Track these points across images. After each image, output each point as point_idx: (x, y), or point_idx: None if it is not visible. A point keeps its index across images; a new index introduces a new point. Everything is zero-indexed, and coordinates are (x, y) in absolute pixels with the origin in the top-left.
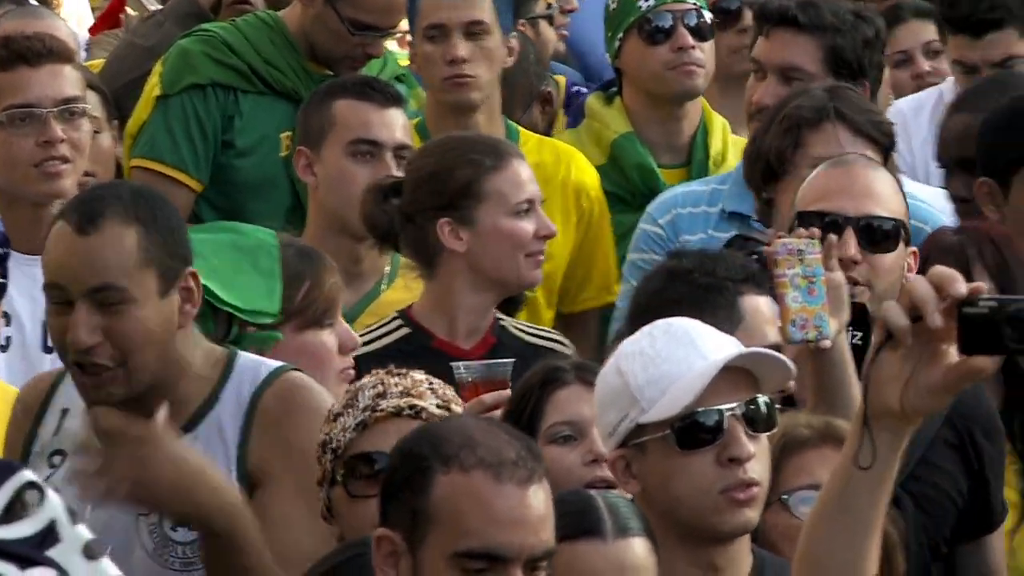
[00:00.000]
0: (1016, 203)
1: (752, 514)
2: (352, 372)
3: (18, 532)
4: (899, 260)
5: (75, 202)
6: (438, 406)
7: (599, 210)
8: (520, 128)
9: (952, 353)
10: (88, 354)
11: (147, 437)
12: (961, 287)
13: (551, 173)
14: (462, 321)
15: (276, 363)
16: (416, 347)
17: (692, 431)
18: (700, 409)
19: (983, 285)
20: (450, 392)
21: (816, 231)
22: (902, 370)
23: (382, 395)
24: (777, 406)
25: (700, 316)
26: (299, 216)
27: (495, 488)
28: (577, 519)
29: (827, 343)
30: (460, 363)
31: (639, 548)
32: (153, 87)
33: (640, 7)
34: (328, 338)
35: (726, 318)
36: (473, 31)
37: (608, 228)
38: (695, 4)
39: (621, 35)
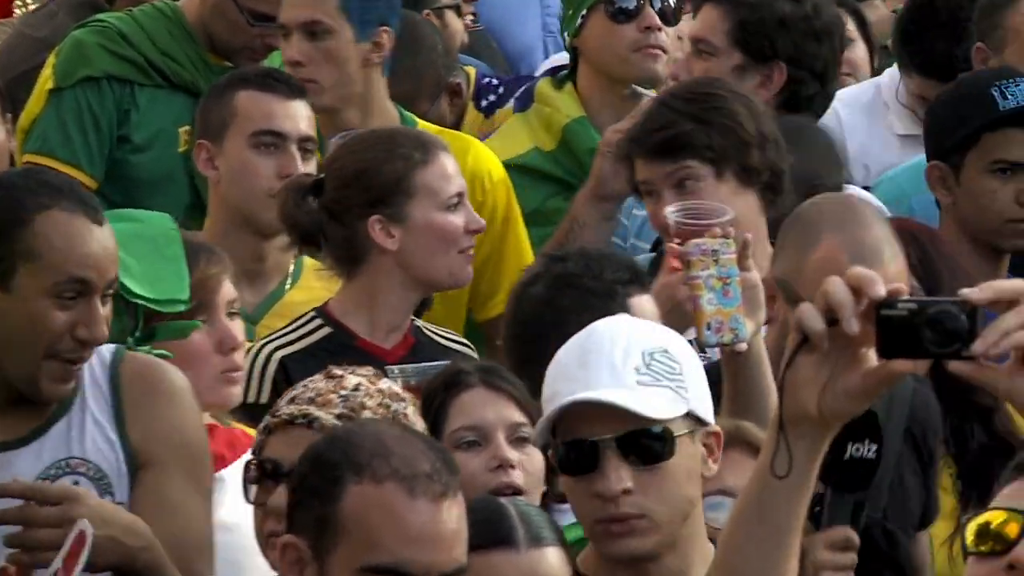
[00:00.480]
0: (968, 185)
1: (636, 543)
2: (236, 374)
3: None
4: None
5: (73, 195)
6: (339, 416)
7: (504, 204)
8: (416, 119)
9: (871, 356)
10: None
11: (71, 496)
12: (879, 289)
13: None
14: (384, 320)
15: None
16: (338, 346)
17: (571, 458)
18: (573, 439)
19: (903, 287)
20: (372, 401)
21: (731, 230)
22: (819, 374)
23: (292, 399)
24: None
25: (591, 322)
26: (199, 213)
27: (408, 502)
28: (489, 528)
29: (743, 346)
30: (395, 367)
31: (552, 558)
32: (46, 80)
33: None
34: (198, 336)
35: None
36: (312, 31)
37: (518, 226)
38: None
39: (584, 13)
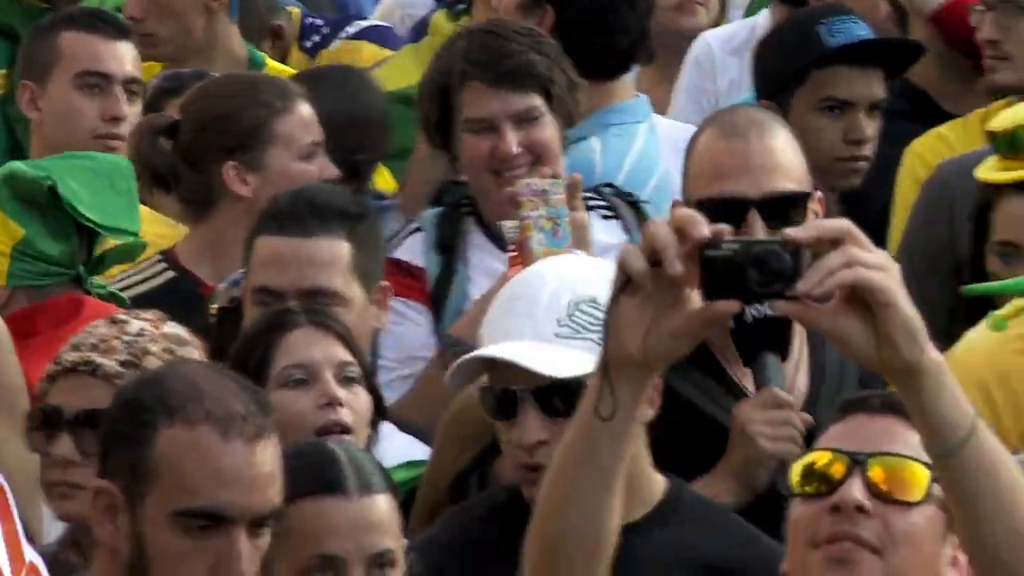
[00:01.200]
0: (796, 125)
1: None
2: None
3: None
4: None
5: None
6: (123, 363)
7: None
8: (267, 58)
9: (695, 297)
10: None
11: None
12: (703, 229)
13: None
14: (231, 267)
15: None
16: (185, 292)
17: (493, 404)
18: (494, 387)
19: (726, 227)
20: (156, 346)
21: (560, 171)
22: (642, 316)
23: (76, 346)
24: None
25: None
26: (16, 156)
27: (221, 445)
28: (320, 474)
29: None
30: None
31: (382, 504)
32: None
33: None
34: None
35: None
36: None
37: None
38: None
39: None
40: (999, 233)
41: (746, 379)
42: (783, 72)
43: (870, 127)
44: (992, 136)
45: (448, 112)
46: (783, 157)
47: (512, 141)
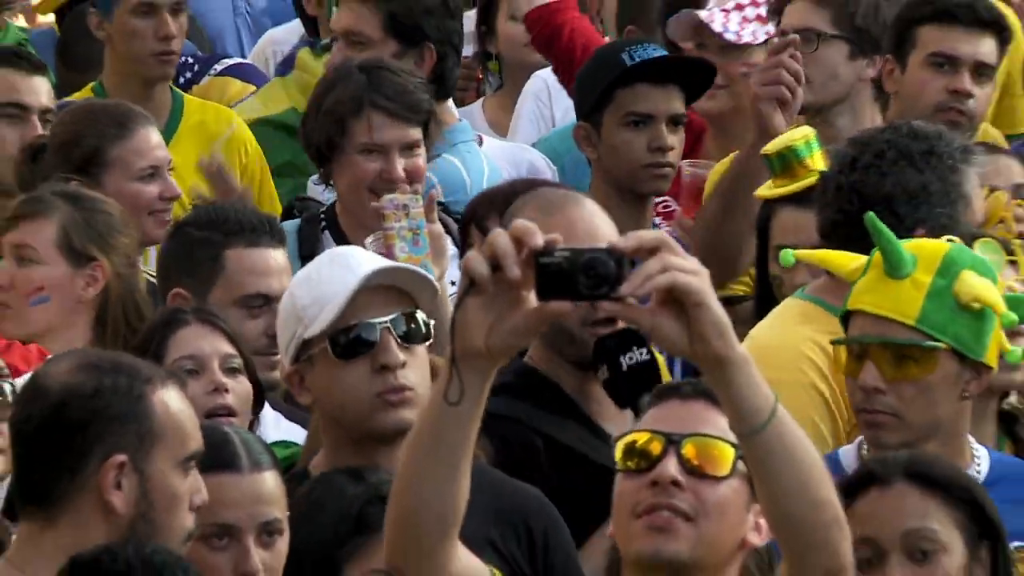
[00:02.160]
0: (608, 141)
1: (407, 414)
2: None
3: None
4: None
5: None
6: None
7: (258, 166)
8: (184, 94)
9: (531, 299)
10: None
11: None
12: (538, 239)
13: (213, 131)
14: None
15: None
16: None
17: (350, 343)
18: (355, 322)
19: (558, 237)
20: None
21: (419, 187)
22: (486, 315)
23: None
24: None
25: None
26: None
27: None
28: (216, 453)
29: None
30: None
31: (271, 480)
32: None
33: None
34: None
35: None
36: (178, 9)
37: (270, 181)
38: None
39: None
40: (776, 239)
41: (609, 425)
42: (593, 95)
43: (671, 138)
44: (766, 158)
45: (338, 136)
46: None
47: (398, 166)
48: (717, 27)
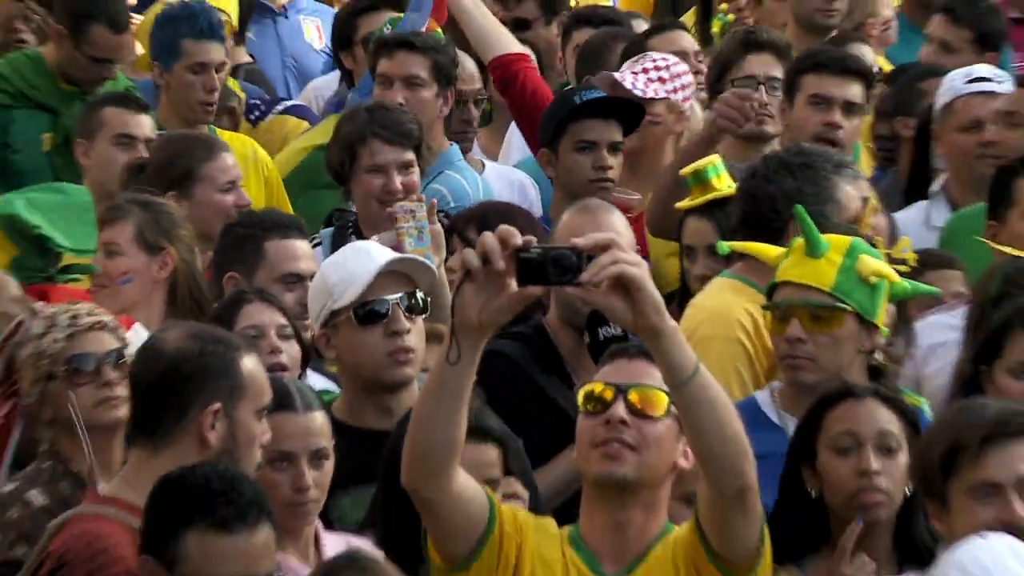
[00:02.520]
0: (563, 163)
1: (409, 371)
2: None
3: None
4: None
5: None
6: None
7: (275, 177)
8: (216, 127)
9: (513, 284)
10: None
11: None
12: (517, 239)
13: (240, 153)
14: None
15: None
16: None
17: (368, 314)
18: (373, 298)
19: (533, 238)
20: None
21: (423, 196)
22: (478, 297)
23: (75, 316)
24: None
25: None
26: None
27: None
28: (277, 398)
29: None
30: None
31: (320, 418)
32: None
33: None
34: None
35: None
36: (219, 69)
37: (283, 193)
38: None
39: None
40: (685, 240)
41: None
42: (551, 128)
43: (611, 160)
44: (683, 178)
45: (349, 160)
46: (618, 226)
47: (396, 181)
48: (627, 85)
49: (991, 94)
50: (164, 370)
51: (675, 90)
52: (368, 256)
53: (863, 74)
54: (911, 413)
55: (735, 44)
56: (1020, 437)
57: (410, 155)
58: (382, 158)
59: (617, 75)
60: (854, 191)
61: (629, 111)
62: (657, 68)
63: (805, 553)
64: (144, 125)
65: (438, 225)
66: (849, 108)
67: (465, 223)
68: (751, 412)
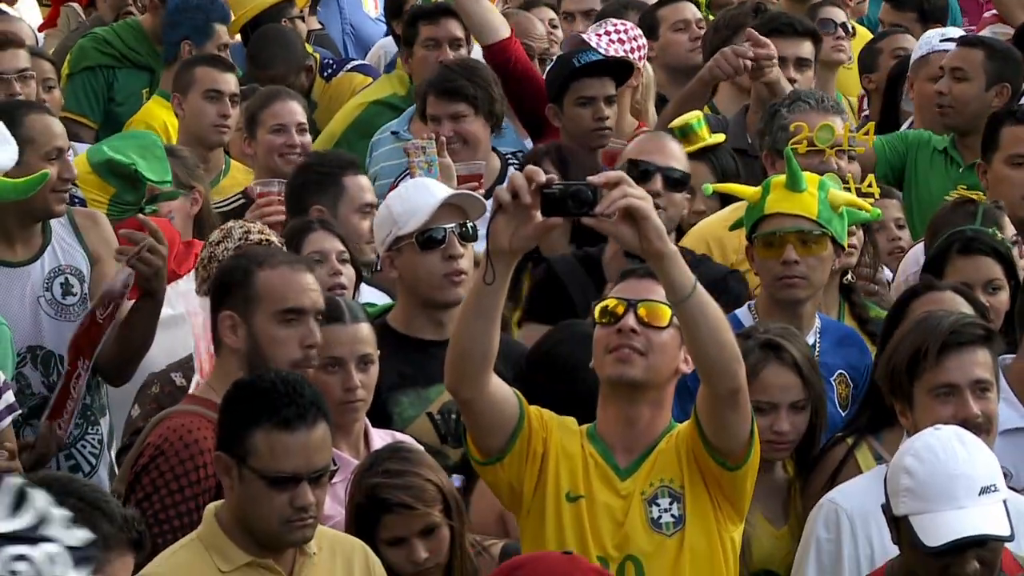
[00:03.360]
0: (568, 114)
1: (461, 291)
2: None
3: (23, 523)
4: (683, 200)
5: None
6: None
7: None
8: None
9: (538, 215)
10: None
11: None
12: (541, 177)
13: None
14: None
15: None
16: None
17: (428, 240)
18: (433, 227)
19: (555, 176)
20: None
21: (432, 134)
22: (509, 226)
23: (248, 231)
24: None
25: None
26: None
27: (292, 274)
28: (330, 312)
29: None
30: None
31: (366, 329)
32: (65, 68)
33: None
34: None
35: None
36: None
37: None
38: None
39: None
40: None
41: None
42: (555, 86)
43: (608, 111)
44: (671, 130)
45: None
46: (679, 152)
47: (447, 129)
48: (593, 43)
49: None
50: (210, 286)
51: (632, 50)
52: (428, 191)
53: (810, 33)
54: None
55: (746, 12)
56: (973, 344)
57: (459, 107)
58: (435, 109)
59: (584, 35)
60: (805, 122)
61: (619, 68)
62: (617, 31)
63: (882, 428)
64: (230, 82)
65: (447, 159)
66: (800, 63)
67: (542, 156)
68: (735, 325)
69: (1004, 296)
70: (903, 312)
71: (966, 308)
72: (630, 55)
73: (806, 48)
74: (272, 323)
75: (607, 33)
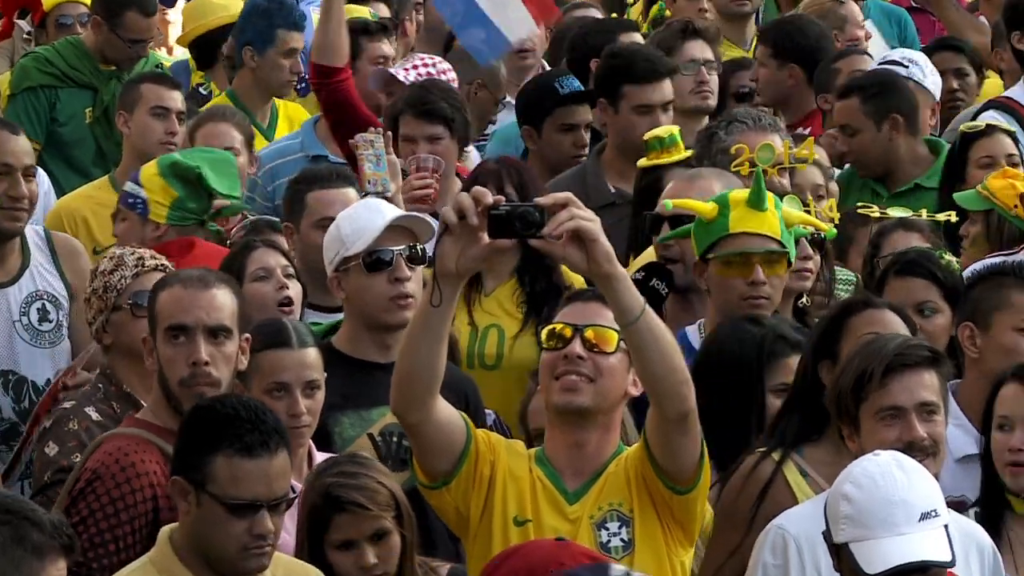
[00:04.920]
0: (547, 139)
1: (408, 314)
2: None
3: None
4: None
5: None
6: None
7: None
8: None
9: (484, 237)
10: None
11: None
12: (489, 198)
13: (295, 117)
14: None
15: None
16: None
17: (375, 262)
18: (380, 248)
19: (502, 198)
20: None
21: (381, 127)
22: (456, 247)
23: (140, 258)
24: None
25: None
26: (99, 160)
27: (185, 292)
28: (273, 335)
29: (389, 193)
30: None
31: (313, 354)
32: (4, 88)
33: None
34: None
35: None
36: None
37: None
38: None
39: None
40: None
41: None
42: (533, 111)
43: (586, 138)
44: (644, 142)
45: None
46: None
47: (422, 150)
48: (400, 78)
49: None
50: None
51: None
52: (378, 211)
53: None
54: (915, 328)
55: (673, 33)
56: (918, 367)
57: (436, 129)
58: (409, 131)
59: (391, 71)
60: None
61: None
62: (425, 65)
63: (803, 441)
64: (176, 99)
65: (394, 156)
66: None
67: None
68: (682, 343)
69: (940, 320)
70: (840, 327)
71: (901, 327)
72: None
73: (667, 89)
74: (163, 342)
75: (415, 67)
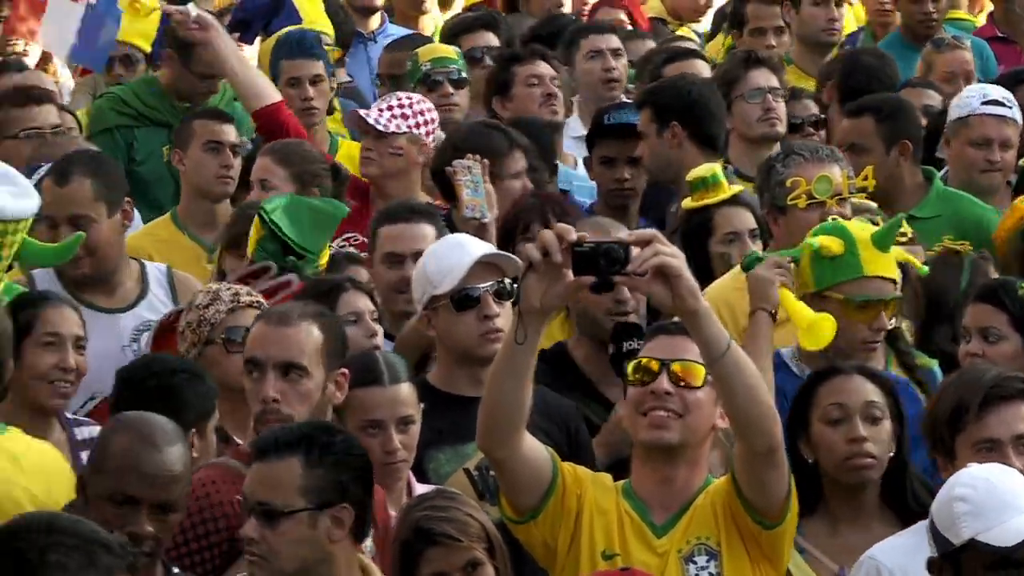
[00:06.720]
0: (597, 170)
1: (496, 347)
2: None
3: None
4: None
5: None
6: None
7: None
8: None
9: (569, 274)
10: None
11: None
12: (572, 235)
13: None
14: None
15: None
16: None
17: (463, 300)
18: (468, 287)
19: (586, 234)
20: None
21: (478, 157)
22: (539, 286)
23: (236, 294)
24: None
25: None
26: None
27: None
28: (365, 372)
29: (487, 220)
30: None
31: (406, 390)
32: (84, 131)
33: None
34: None
35: None
36: (314, 82)
37: None
38: None
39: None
40: (725, 229)
41: (607, 388)
42: (588, 141)
43: (628, 172)
44: (689, 183)
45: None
46: None
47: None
48: (371, 120)
49: (1001, 117)
50: None
51: (417, 125)
52: (463, 249)
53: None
54: (892, 386)
55: (736, 63)
56: (1015, 399)
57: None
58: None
59: (362, 112)
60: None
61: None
62: (401, 106)
63: (801, 517)
64: (229, 132)
65: (490, 185)
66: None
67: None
68: (777, 359)
69: (1006, 347)
70: (809, 396)
71: (872, 391)
72: (415, 129)
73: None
74: (245, 376)
75: (389, 108)
